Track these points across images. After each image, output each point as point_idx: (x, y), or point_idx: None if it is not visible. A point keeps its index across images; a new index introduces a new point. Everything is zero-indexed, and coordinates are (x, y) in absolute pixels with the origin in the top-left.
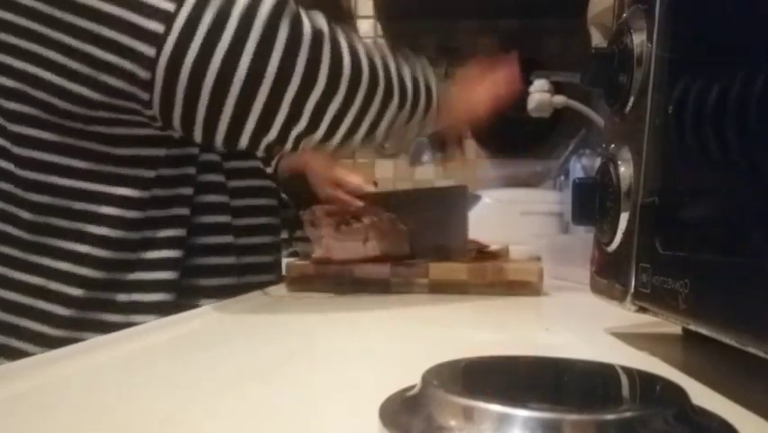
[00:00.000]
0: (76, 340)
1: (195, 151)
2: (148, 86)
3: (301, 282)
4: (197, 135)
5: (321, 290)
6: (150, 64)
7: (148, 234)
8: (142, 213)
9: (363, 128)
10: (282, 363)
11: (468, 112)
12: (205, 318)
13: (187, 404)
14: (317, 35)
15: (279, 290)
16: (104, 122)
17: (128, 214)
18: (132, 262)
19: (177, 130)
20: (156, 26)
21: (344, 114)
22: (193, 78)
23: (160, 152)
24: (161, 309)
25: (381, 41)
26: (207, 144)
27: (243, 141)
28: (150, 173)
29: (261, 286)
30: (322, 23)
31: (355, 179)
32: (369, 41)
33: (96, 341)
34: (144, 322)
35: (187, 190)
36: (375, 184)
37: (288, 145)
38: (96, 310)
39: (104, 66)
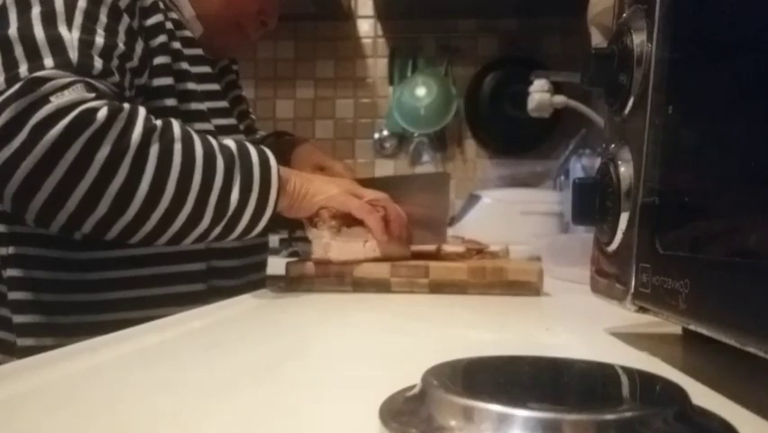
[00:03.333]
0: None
1: None
2: None
3: (301, 282)
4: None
5: (321, 289)
6: None
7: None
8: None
9: (166, 236)
10: (282, 363)
11: (319, 197)
12: (205, 318)
13: (186, 404)
14: (113, 159)
15: (279, 290)
16: None
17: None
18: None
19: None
20: None
21: (142, 220)
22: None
23: None
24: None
25: (380, 43)
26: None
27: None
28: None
29: (235, 290)
30: (146, 127)
31: (336, 165)
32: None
33: (97, 341)
34: None
35: None
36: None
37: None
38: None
39: None
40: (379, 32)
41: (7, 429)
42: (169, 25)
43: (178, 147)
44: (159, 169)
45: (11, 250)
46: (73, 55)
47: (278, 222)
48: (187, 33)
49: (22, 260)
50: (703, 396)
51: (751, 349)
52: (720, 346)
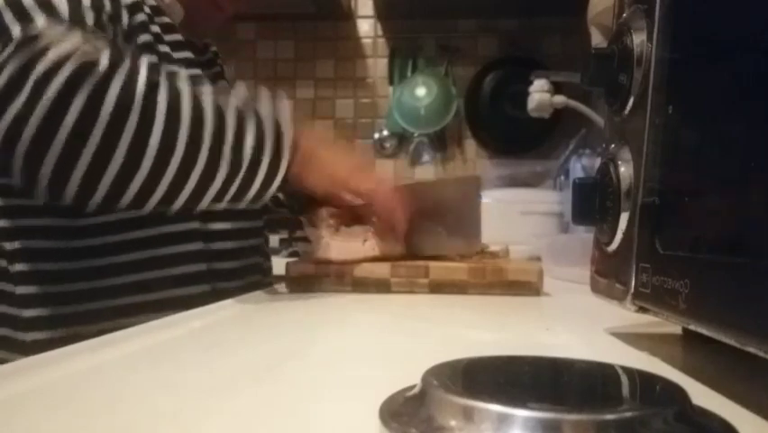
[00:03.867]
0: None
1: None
2: None
3: (301, 282)
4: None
5: (321, 289)
6: None
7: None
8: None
9: (183, 196)
10: (282, 363)
11: (331, 175)
12: (205, 318)
13: (186, 404)
14: (121, 107)
15: (279, 290)
16: None
17: (80, 243)
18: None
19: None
20: None
21: (156, 180)
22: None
23: None
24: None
25: (380, 43)
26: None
27: (69, 195)
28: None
29: (237, 291)
30: (146, 81)
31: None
32: (225, 85)
33: (97, 341)
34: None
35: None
36: None
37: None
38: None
39: None
40: (379, 32)
41: (7, 429)
42: (147, 10)
43: (186, 94)
44: (168, 119)
45: (16, 244)
46: (63, 10)
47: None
48: (166, 19)
49: (28, 253)
50: (703, 396)
51: (751, 349)
52: (720, 346)
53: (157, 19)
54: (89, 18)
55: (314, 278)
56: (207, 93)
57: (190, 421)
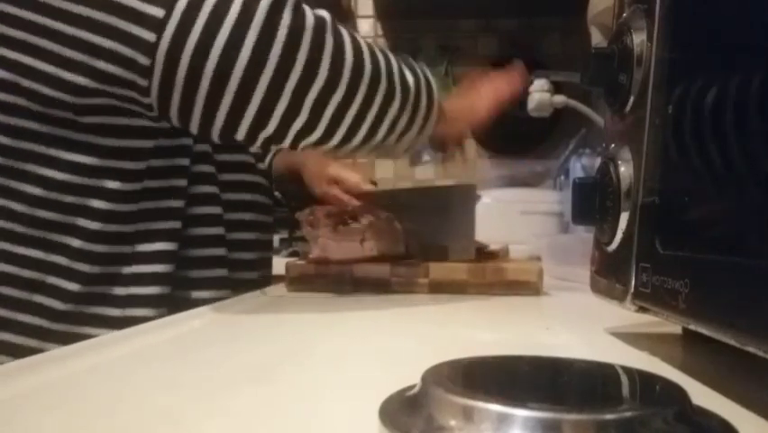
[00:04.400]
0: (74, 334)
1: (188, 141)
2: (147, 72)
3: (301, 282)
4: (194, 125)
5: (321, 289)
6: (150, 50)
7: (141, 226)
8: (135, 205)
9: (364, 127)
10: (282, 363)
11: (469, 117)
12: (205, 318)
13: (187, 404)
14: (320, 27)
15: (279, 289)
16: (94, 111)
17: (119, 207)
18: (127, 255)
19: (174, 119)
20: (156, 11)
21: (345, 110)
22: (193, 64)
23: (149, 143)
24: (158, 303)
25: (380, 43)
26: (204, 136)
27: (241, 133)
28: (141, 165)
29: (251, 283)
30: (324, 14)
31: (353, 177)
32: (369, 40)
33: (97, 341)
34: (142, 315)
35: (181, 182)
36: (374, 183)
37: (287, 142)
38: (93, 304)
39: (101, 52)
40: (379, 32)
41: (7, 429)
42: None
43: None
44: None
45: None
46: None
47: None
48: None
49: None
50: (703, 396)
51: (751, 349)
52: (720, 346)
53: None
54: None
55: (314, 278)
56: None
57: (190, 421)
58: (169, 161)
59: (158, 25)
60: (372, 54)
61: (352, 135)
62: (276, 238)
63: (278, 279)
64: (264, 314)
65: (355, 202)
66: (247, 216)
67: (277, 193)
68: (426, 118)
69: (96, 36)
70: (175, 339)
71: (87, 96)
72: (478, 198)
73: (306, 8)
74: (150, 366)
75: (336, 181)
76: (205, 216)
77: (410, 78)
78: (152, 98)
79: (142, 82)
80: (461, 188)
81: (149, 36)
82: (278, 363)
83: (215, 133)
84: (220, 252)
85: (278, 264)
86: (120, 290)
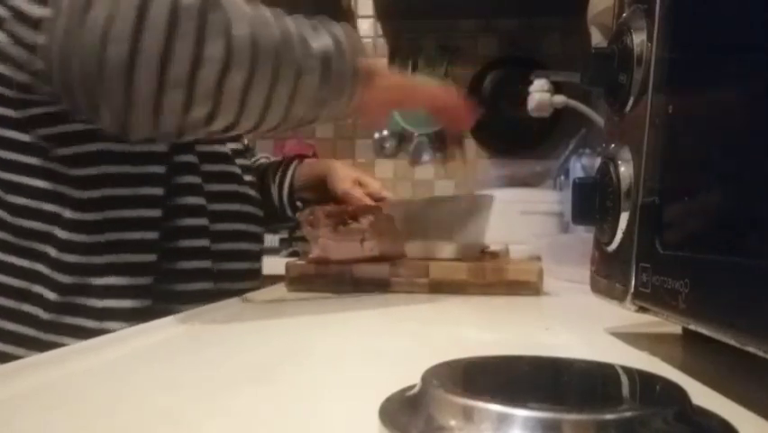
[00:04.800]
0: (61, 344)
1: (159, 149)
2: (45, 76)
3: (301, 282)
4: (107, 124)
5: (321, 289)
6: (42, 52)
7: (111, 236)
8: (100, 214)
9: (275, 107)
10: (282, 363)
11: (404, 93)
12: (205, 318)
13: (186, 404)
14: (202, 10)
15: (279, 290)
16: (40, 122)
17: (87, 216)
18: (101, 266)
19: (92, 120)
20: (43, 12)
21: (247, 91)
22: (73, 65)
23: (94, 146)
24: (136, 316)
25: (380, 43)
26: (118, 133)
27: (142, 131)
28: (93, 171)
29: (238, 293)
30: None
31: (376, 184)
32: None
33: (97, 341)
34: (119, 329)
35: (156, 190)
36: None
37: (189, 133)
38: (71, 315)
39: (7, 59)
40: (379, 32)
41: (7, 429)
42: None
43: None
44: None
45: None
46: None
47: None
48: None
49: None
50: (703, 396)
51: (751, 349)
52: (720, 346)
53: None
54: None
55: (314, 278)
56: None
57: (190, 421)
58: (138, 168)
59: (47, 27)
60: (266, 25)
61: (261, 118)
62: (276, 238)
63: (279, 279)
64: (264, 314)
65: (372, 203)
66: (234, 226)
67: (299, 203)
68: (341, 86)
69: (3, 44)
70: (175, 339)
71: (22, 107)
72: (490, 204)
73: None
74: (150, 366)
75: (360, 183)
76: (191, 227)
77: (317, 46)
78: (65, 102)
79: (45, 85)
80: (478, 198)
81: (37, 38)
82: (277, 363)
83: (129, 131)
84: (205, 264)
85: (279, 264)
86: (95, 302)
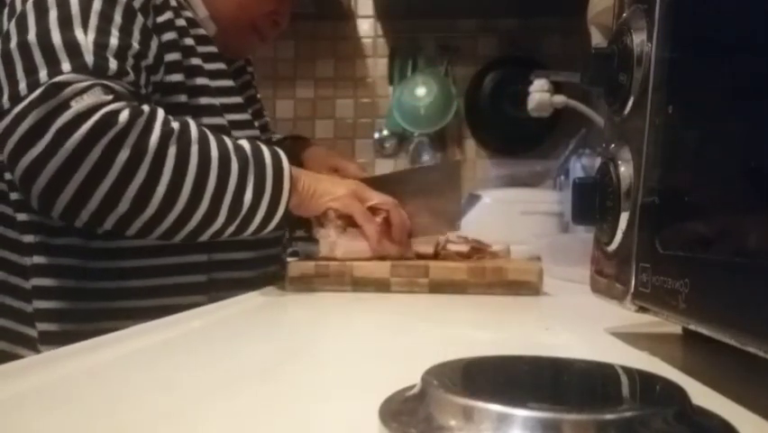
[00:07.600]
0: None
1: None
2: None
3: (301, 282)
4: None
5: (321, 289)
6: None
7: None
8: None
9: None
10: (282, 363)
11: (331, 197)
12: (205, 318)
13: (186, 404)
14: (133, 159)
15: (279, 289)
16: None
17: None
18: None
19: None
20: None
21: (173, 203)
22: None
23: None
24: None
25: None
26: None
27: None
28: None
29: (247, 281)
30: (145, 109)
31: (351, 166)
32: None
33: (97, 341)
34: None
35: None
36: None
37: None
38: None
39: None
40: (379, 32)
41: (7, 429)
42: (180, 23)
43: (194, 149)
44: (176, 170)
45: (37, 238)
46: (89, 58)
47: (287, 219)
48: (202, 31)
49: (47, 248)
50: (703, 396)
51: (751, 349)
52: (720, 346)
53: (192, 31)
54: (113, 64)
55: (314, 278)
56: (214, 146)
57: (190, 421)
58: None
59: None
60: (203, 172)
61: (170, 238)
62: None
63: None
64: (264, 314)
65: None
66: (239, 255)
67: None
68: (268, 218)
69: None
70: (175, 339)
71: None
72: (475, 198)
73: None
74: (149, 366)
75: (336, 170)
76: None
77: (248, 195)
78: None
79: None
80: (445, 165)
81: None
82: (278, 363)
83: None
84: (202, 257)
85: None
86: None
